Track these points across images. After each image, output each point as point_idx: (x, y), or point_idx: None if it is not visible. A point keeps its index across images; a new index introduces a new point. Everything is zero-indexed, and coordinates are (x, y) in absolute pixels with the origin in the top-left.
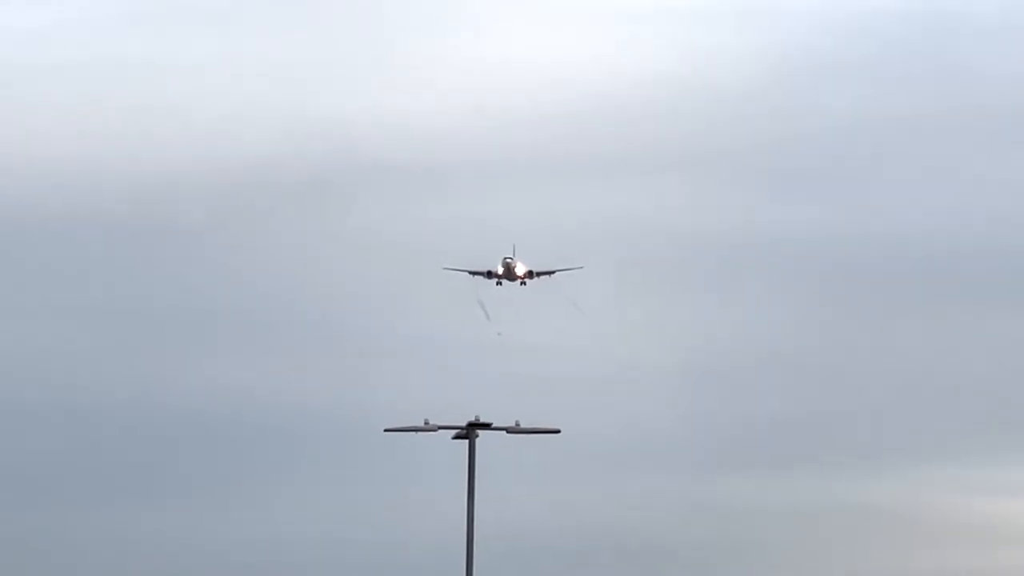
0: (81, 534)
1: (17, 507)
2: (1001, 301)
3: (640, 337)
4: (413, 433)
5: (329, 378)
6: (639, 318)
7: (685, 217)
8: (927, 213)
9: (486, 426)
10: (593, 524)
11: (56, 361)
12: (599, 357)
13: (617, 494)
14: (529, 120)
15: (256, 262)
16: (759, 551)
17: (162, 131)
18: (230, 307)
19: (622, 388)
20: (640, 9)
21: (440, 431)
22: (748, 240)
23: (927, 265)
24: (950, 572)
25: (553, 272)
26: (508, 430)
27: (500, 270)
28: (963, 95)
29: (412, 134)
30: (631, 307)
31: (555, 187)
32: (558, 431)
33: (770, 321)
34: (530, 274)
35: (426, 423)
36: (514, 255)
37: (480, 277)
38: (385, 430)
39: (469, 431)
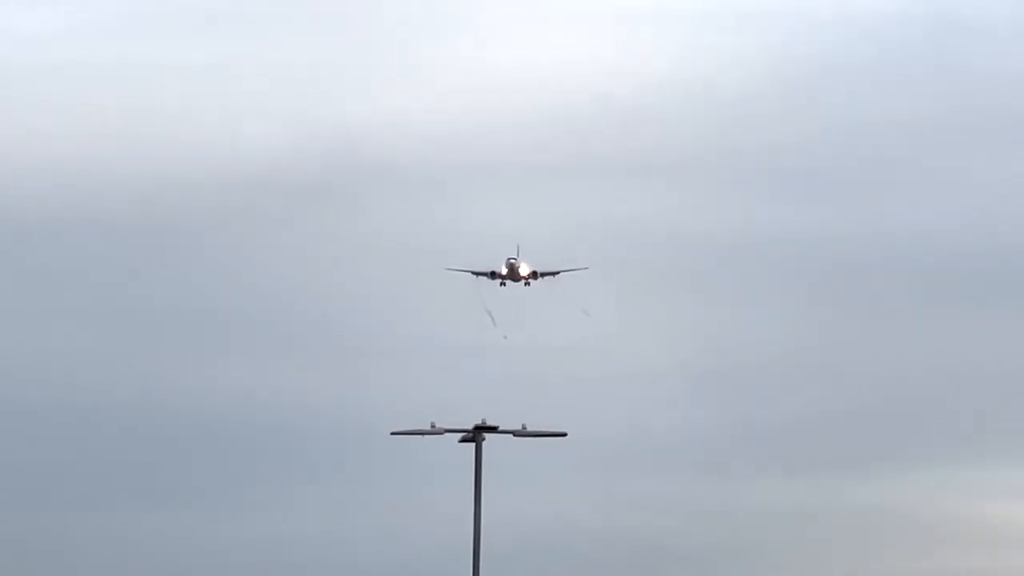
0: (83, 535)
1: (19, 508)
2: (1005, 302)
3: (646, 339)
4: (420, 436)
5: (335, 381)
6: (644, 320)
7: (689, 218)
8: (928, 214)
9: (493, 429)
10: (599, 527)
11: (58, 362)
12: (605, 359)
13: (623, 497)
14: (532, 121)
15: (259, 264)
16: (765, 554)
17: (163, 133)
18: (233, 309)
19: (628, 390)
20: (642, 11)
21: (447, 434)
22: (752, 241)
23: (931, 266)
24: (957, 575)
25: (557, 273)
26: (515, 433)
27: (504, 271)
28: (964, 97)
29: (415, 136)
30: (636, 308)
31: (559, 188)
32: (564, 434)
33: (775, 323)
34: (534, 275)
35: (433, 426)
36: (518, 256)
37: (484, 278)
38: (392, 433)
39: (476, 434)
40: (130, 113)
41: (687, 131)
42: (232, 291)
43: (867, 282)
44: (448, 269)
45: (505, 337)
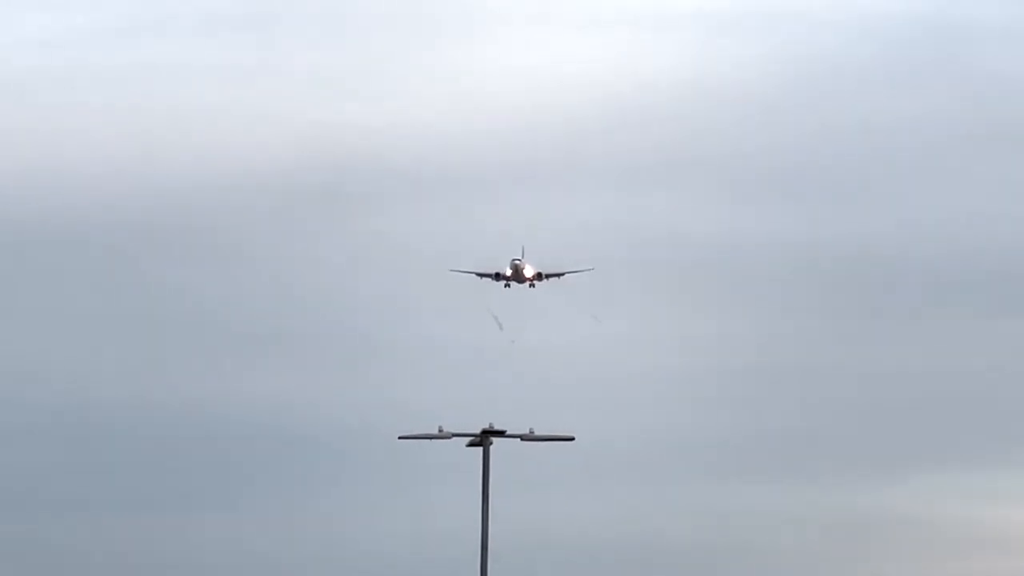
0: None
1: (20, 510)
2: (1011, 305)
3: (653, 341)
4: (427, 440)
5: (342, 385)
6: (651, 322)
7: (693, 219)
8: (931, 215)
9: (500, 433)
10: (607, 532)
11: (72, 368)
12: (613, 362)
13: (631, 501)
14: (534, 123)
15: (264, 267)
16: (774, 559)
17: (176, 137)
18: (239, 312)
19: (636, 394)
20: (644, 13)
21: (454, 438)
22: (758, 242)
23: (939, 267)
24: None
25: (562, 274)
26: (522, 437)
27: (508, 272)
28: (966, 97)
29: (419, 138)
30: (642, 310)
31: (563, 189)
32: (572, 438)
33: (785, 327)
34: (539, 276)
35: (440, 430)
36: (522, 257)
37: (488, 279)
38: (399, 437)
39: (483, 438)
40: (145, 118)
41: (690, 132)
42: (238, 294)
43: (883, 288)
44: (452, 270)
45: (512, 342)
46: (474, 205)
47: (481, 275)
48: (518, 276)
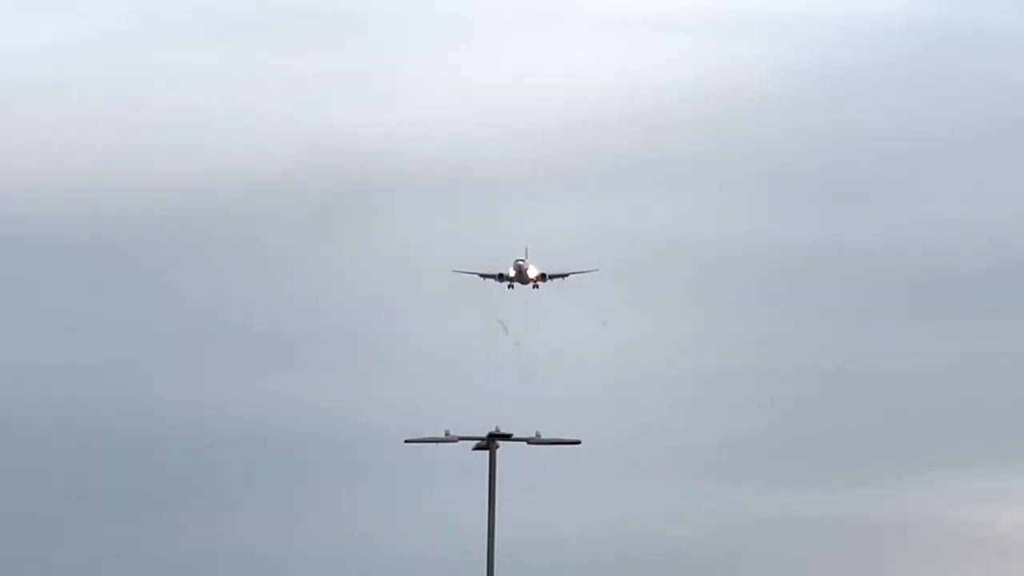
0: (93, 542)
1: (21, 510)
2: (1014, 305)
3: (659, 344)
4: (433, 444)
5: (349, 388)
6: (656, 324)
7: (697, 221)
8: (935, 220)
9: (506, 437)
10: (613, 534)
11: (72, 368)
12: (618, 365)
13: (637, 504)
14: (538, 126)
15: (270, 272)
16: (780, 562)
17: (178, 139)
18: (245, 317)
19: (641, 397)
20: (648, 17)
21: (460, 442)
22: (764, 245)
23: (941, 272)
24: None
25: (566, 275)
26: (528, 441)
27: (512, 273)
28: (969, 102)
29: (425, 141)
30: (646, 312)
31: (566, 191)
32: (578, 442)
33: (792, 329)
34: (542, 277)
35: (447, 434)
36: (526, 258)
37: (492, 280)
38: (406, 441)
39: (489, 442)
40: (149, 125)
41: (695, 134)
42: (243, 299)
43: (890, 292)
44: (455, 271)
45: (519, 344)
46: (478, 206)
47: (485, 276)
48: (522, 277)
